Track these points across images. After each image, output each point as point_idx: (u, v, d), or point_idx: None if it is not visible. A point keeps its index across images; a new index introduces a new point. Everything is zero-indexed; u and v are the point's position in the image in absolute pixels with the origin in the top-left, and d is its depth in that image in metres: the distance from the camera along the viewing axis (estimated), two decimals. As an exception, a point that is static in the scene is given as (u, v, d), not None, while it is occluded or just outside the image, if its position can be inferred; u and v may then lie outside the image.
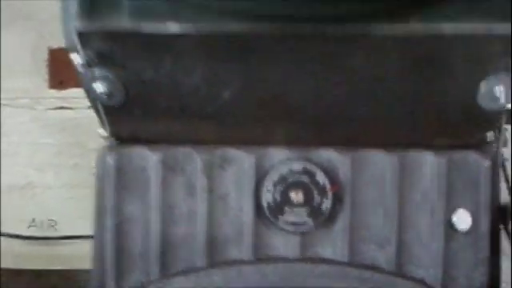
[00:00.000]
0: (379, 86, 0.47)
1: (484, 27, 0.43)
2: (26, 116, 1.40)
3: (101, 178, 0.51)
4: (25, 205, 1.51)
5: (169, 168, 0.51)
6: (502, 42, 0.43)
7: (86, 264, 1.60)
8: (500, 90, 0.47)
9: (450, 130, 0.52)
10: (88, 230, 1.56)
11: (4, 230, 1.64)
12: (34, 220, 1.52)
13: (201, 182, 0.51)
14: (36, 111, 1.41)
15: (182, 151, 0.51)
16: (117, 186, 0.51)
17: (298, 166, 0.49)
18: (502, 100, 0.48)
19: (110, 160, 0.51)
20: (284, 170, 0.49)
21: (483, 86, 0.47)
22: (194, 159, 0.50)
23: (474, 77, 0.46)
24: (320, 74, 0.46)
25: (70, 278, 1.69)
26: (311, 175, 0.50)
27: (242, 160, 0.51)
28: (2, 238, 1.65)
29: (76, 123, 1.40)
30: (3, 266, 1.61)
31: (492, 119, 0.50)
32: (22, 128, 1.45)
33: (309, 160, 0.50)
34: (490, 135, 0.52)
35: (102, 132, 0.55)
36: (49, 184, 1.45)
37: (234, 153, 0.51)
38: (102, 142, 0.56)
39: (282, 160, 0.50)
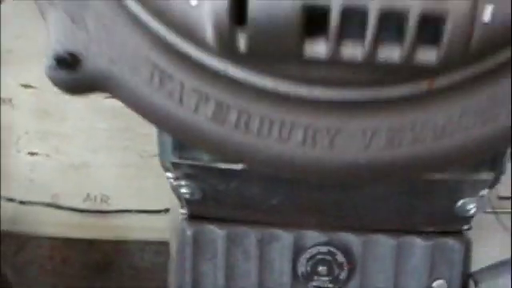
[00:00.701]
0: (385, 200, 0.72)
1: (464, 176, 0.67)
2: (81, 103, 1.63)
3: (181, 245, 0.77)
4: (80, 182, 1.76)
5: (231, 241, 0.77)
6: (476, 183, 0.68)
7: (134, 234, 1.90)
8: (471, 206, 0.72)
9: (434, 224, 0.76)
10: (137, 204, 1.86)
11: (62, 203, 1.92)
12: (88, 195, 1.78)
13: (254, 252, 0.77)
14: (89, 99, 1.64)
15: (242, 229, 0.76)
16: (193, 252, 0.77)
17: (324, 249, 0.75)
18: (472, 212, 0.72)
19: (189, 232, 0.77)
20: (314, 251, 0.75)
21: (459, 203, 0.72)
22: (250, 236, 0.76)
23: (454, 198, 0.71)
24: (341, 197, 0.71)
25: (120, 246, 1.97)
26: (333, 255, 0.75)
27: (284, 239, 0.77)
28: (61, 211, 1.93)
29: (126, 111, 1.62)
30: (61, 235, 1.89)
31: (465, 220, 0.74)
32: (78, 114, 1.68)
33: (332, 243, 0.76)
34: (464, 227, 0.77)
35: (183, 211, 0.80)
36: (102, 164, 1.69)
37: (278, 233, 0.77)
38: (182, 218, 0.81)
39: (312, 241, 0.76)
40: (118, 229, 1.93)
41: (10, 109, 1.78)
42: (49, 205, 2.04)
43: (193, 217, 0.77)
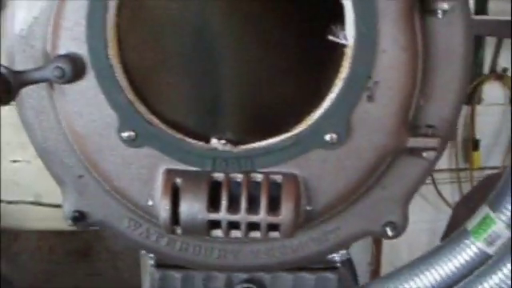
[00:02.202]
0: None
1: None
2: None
3: (151, 284, 1.25)
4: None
5: (185, 281, 1.25)
6: None
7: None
8: (337, 258, 1.20)
9: (317, 265, 1.24)
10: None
11: (44, 201, 2.38)
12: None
13: (198, 286, 1.25)
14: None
15: (191, 273, 1.24)
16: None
17: (245, 285, 1.24)
18: (338, 260, 1.20)
19: (156, 276, 1.24)
20: (239, 286, 1.24)
21: (329, 257, 1.20)
22: (197, 277, 1.24)
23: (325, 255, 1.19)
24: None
25: (97, 233, 2.44)
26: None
27: (219, 278, 1.25)
28: (44, 207, 2.40)
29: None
30: (46, 228, 2.36)
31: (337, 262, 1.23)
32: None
33: (252, 279, 1.24)
34: (338, 265, 1.25)
35: (152, 262, 1.27)
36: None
37: (216, 274, 1.24)
38: (151, 266, 1.28)
39: (238, 279, 1.24)
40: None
41: (-8, 125, 2.18)
42: (33, 203, 2.51)
43: (158, 265, 1.24)
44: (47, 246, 2.41)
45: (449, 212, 2.45)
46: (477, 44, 2.14)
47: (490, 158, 2.71)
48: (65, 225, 2.42)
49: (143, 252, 1.14)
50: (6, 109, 2.29)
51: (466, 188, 2.69)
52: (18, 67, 0.92)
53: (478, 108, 2.50)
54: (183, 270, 1.18)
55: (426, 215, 2.59)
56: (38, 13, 0.92)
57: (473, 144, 2.63)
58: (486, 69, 2.61)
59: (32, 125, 0.96)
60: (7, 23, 0.95)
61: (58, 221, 2.46)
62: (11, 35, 0.94)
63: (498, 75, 2.62)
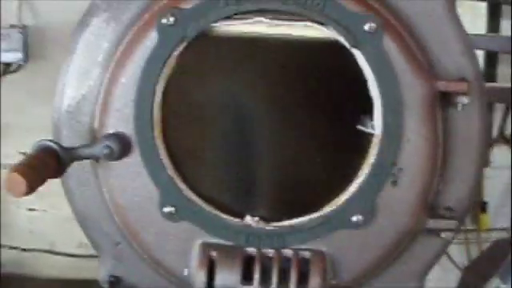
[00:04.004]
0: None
1: None
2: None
3: None
4: (74, 232, 2.28)
5: None
6: None
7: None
8: None
9: None
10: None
11: (58, 250, 2.45)
12: (81, 243, 2.30)
13: None
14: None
15: None
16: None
17: None
18: None
19: None
20: None
21: None
22: None
23: None
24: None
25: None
26: None
27: None
28: (58, 256, 2.47)
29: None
30: (59, 277, 2.42)
31: None
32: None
33: None
34: None
35: None
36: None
37: None
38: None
39: None
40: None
41: (11, 173, 2.26)
42: (47, 251, 2.57)
43: None
44: (56, 294, 2.45)
45: (456, 272, 2.51)
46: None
47: (497, 219, 2.77)
48: (78, 274, 2.47)
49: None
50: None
51: (474, 249, 2.75)
52: (65, 141, 1.01)
53: (487, 171, 2.57)
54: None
55: (434, 274, 2.64)
56: (86, 91, 1.01)
57: (481, 206, 2.69)
58: (495, 132, 2.70)
59: (74, 193, 1.04)
60: (56, 98, 1.03)
61: (70, 270, 2.52)
62: (59, 110, 1.03)
63: (506, 139, 2.70)
